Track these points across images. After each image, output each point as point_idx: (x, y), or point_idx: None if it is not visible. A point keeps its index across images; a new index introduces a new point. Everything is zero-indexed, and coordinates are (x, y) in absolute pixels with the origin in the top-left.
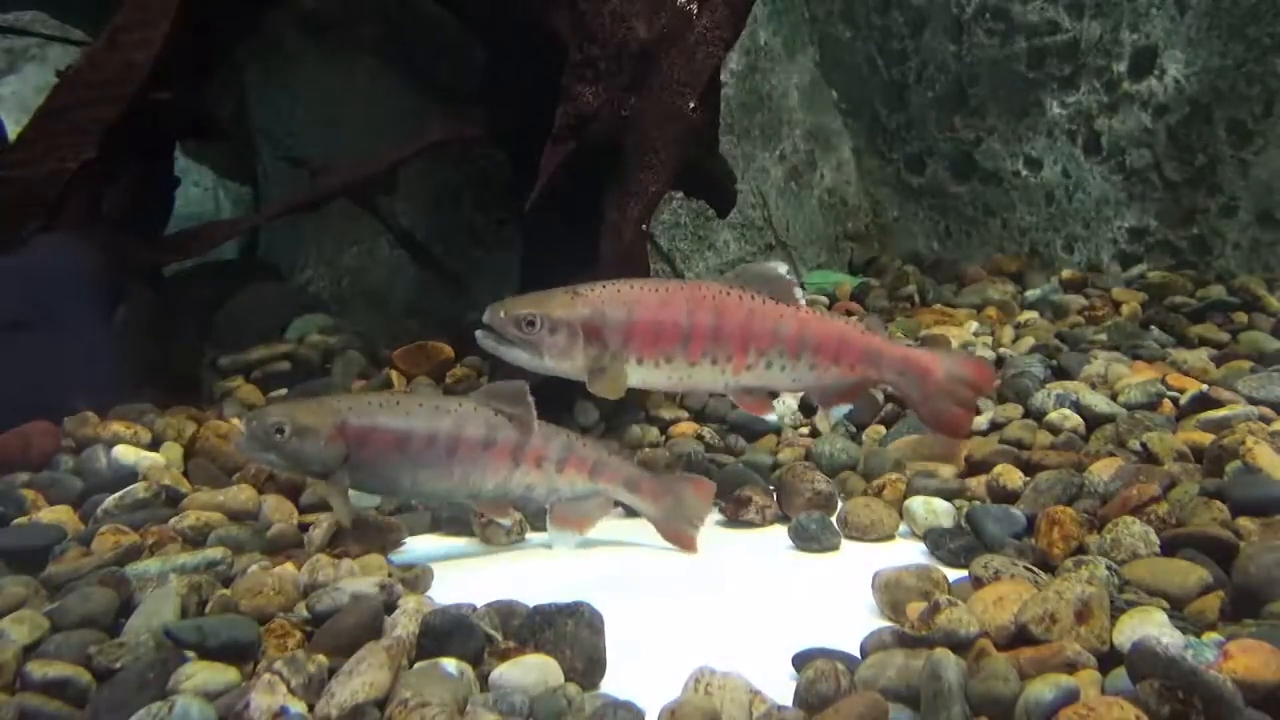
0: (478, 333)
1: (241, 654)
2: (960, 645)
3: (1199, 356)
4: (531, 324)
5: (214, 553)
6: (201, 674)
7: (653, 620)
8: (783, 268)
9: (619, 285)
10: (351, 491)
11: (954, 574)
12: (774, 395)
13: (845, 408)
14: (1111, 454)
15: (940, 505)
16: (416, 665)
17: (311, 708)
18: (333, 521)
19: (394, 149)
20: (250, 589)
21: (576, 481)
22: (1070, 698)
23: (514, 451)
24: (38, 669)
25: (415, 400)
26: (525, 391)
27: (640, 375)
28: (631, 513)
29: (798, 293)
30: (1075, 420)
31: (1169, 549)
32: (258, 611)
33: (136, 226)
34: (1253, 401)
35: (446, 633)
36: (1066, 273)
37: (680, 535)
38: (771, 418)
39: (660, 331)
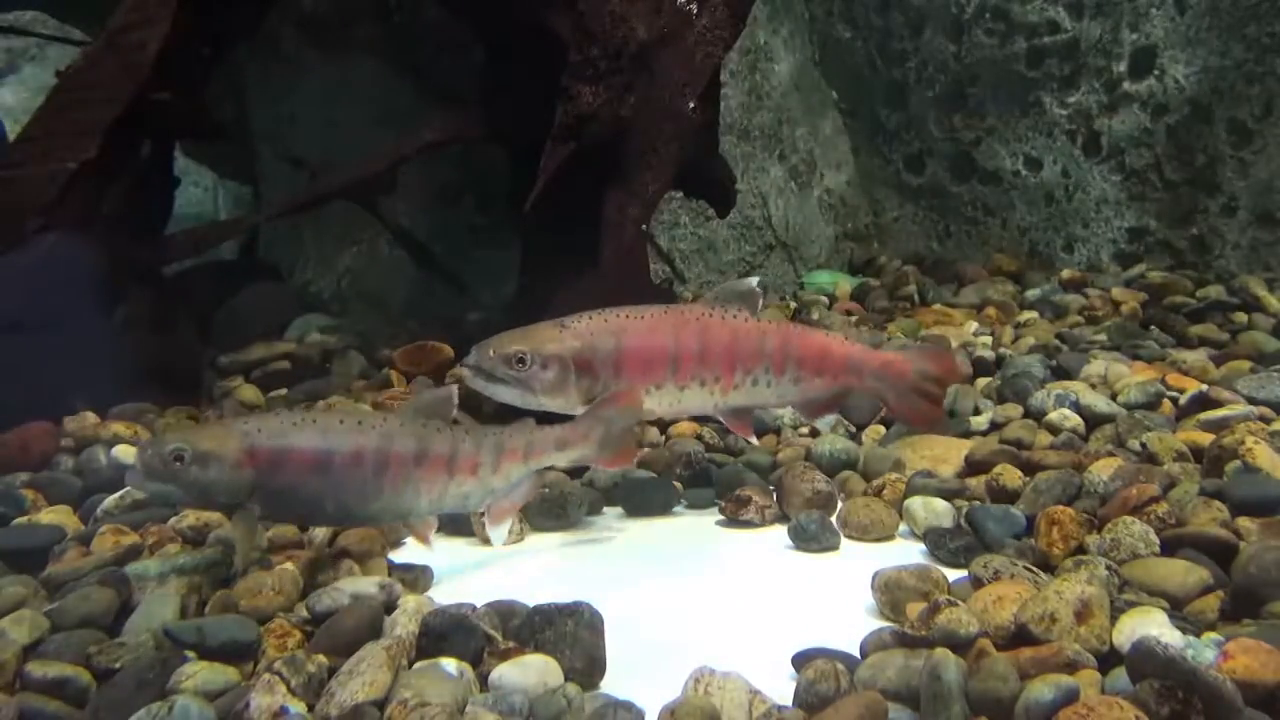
0: (465, 373)
1: (241, 654)
2: (960, 645)
3: (1199, 356)
4: (521, 361)
5: (214, 553)
6: (201, 674)
7: (653, 620)
8: (753, 281)
9: (604, 315)
10: None
11: (954, 574)
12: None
13: (833, 417)
14: (1111, 454)
15: (940, 505)
16: (416, 665)
17: (311, 708)
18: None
19: (392, 148)
20: (250, 589)
21: (512, 473)
22: (1070, 698)
23: (449, 463)
24: (38, 669)
25: (334, 417)
26: (453, 397)
27: None
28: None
29: (759, 304)
30: (1075, 420)
31: (1169, 549)
32: (258, 611)
33: (136, 226)
34: (1252, 401)
35: (446, 633)
36: (1066, 273)
37: (623, 454)
38: (755, 440)
39: (650, 358)
